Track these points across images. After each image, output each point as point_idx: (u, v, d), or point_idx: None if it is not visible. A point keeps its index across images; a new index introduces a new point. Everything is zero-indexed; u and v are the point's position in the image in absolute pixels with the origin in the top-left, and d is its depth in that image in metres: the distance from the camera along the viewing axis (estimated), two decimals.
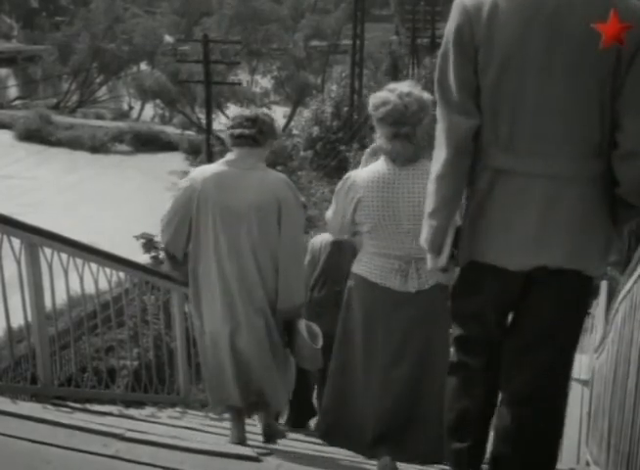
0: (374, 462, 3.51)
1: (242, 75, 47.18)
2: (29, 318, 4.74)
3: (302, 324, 3.81)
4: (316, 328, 3.93)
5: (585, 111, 2.17)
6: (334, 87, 38.10)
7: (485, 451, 2.65)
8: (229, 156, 3.73)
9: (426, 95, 3.22)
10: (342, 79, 37.35)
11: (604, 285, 12.35)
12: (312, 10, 55.67)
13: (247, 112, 3.78)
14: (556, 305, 2.39)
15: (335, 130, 33.30)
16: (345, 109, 34.86)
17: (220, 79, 38.69)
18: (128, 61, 52.78)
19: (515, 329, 2.51)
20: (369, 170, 3.29)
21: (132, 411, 5.16)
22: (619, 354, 4.73)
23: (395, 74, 21.03)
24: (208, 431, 4.68)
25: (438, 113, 2.34)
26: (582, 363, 10.03)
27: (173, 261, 3.83)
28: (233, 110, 4.76)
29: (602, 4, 2.12)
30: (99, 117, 50.29)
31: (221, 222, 3.61)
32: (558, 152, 2.19)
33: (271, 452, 3.42)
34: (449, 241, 2.39)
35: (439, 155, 2.32)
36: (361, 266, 3.36)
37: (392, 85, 3.28)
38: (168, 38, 54.87)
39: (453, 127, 2.26)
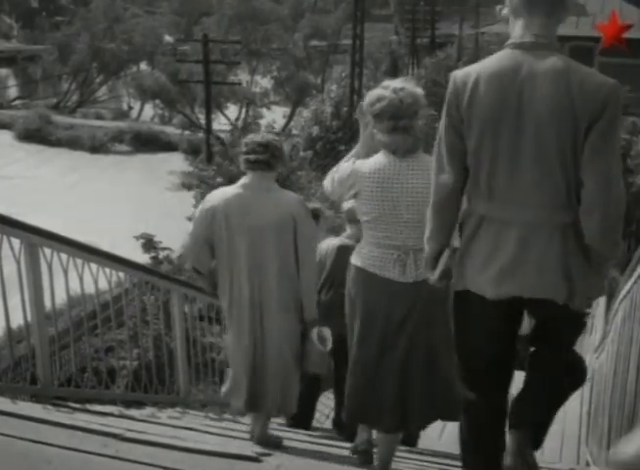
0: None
1: (242, 75, 47.14)
2: (29, 318, 4.74)
3: (314, 330, 4.03)
4: (326, 332, 4.08)
5: (550, 172, 2.57)
6: (333, 87, 38.06)
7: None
8: (245, 179, 3.98)
9: (418, 89, 3.36)
10: (341, 79, 37.31)
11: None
12: (312, 10, 55.65)
13: (258, 137, 4.02)
14: (546, 330, 2.89)
15: (334, 130, 33.29)
16: (345, 109, 34.82)
17: (220, 79, 38.68)
18: (128, 61, 52.77)
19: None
20: (370, 163, 3.36)
21: (132, 412, 5.17)
22: (619, 354, 4.73)
23: (395, 74, 21.00)
24: (208, 431, 4.69)
25: (433, 167, 2.86)
26: None
27: (201, 277, 4.16)
28: (248, 137, 4.60)
29: (563, 81, 2.55)
30: (99, 117, 50.25)
31: (244, 240, 3.87)
32: (528, 203, 2.60)
33: (271, 453, 3.42)
34: (442, 261, 2.89)
35: (432, 197, 2.86)
36: (360, 258, 3.43)
37: (386, 82, 3.40)
38: (168, 38, 54.84)
39: (440, 183, 2.79)
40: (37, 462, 2.79)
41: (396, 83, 3.35)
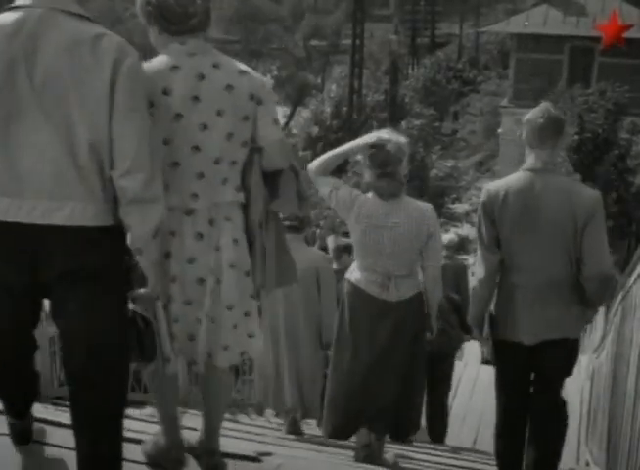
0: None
1: None
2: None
3: None
4: None
5: (558, 253, 3.65)
6: (333, 87, 38.04)
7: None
8: None
9: (402, 139, 4.00)
10: (341, 79, 37.31)
11: None
12: (312, 10, 55.64)
13: None
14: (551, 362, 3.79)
15: (334, 130, 33.27)
16: (345, 108, 34.83)
17: None
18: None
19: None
20: (361, 200, 3.93)
21: (132, 411, 5.16)
22: (619, 354, 4.73)
23: (395, 74, 20.98)
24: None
25: (478, 246, 3.83)
26: (582, 363, 10.04)
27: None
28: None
29: (565, 196, 3.63)
30: None
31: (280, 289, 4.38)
32: (544, 272, 3.67)
33: (271, 453, 3.43)
34: (486, 322, 3.83)
35: (479, 271, 3.81)
36: (353, 275, 4.04)
37: (375, 133, 4.00)
38: None
39: (486, 259, 3.77)
40: (37, 462, 2.79)
41: (384, 135, 3.93)
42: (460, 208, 24.52)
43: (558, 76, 26.73)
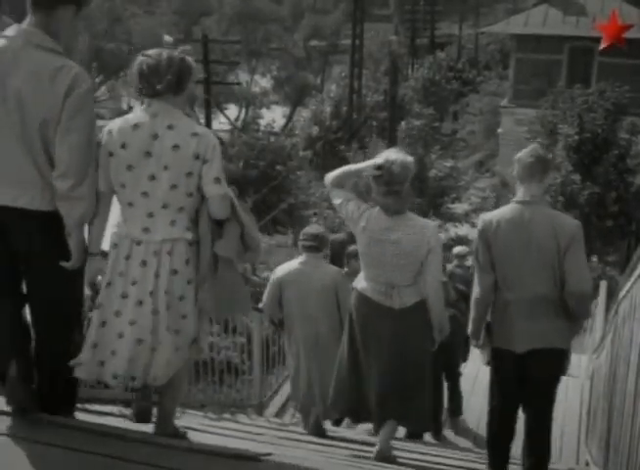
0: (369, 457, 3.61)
1: (241, 75, 47.13)
2: (29, 318, 4.74)
3: None
4: None
5: (545, 273, 4.14)
6: (333, 87, 38.08)
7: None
8: (302, 258, 5.32)
9: (409, 158, 4.23)
10: (341, 79, 37.31)
11: (603, 285, 12.34)
12: (312, 10, 55.64)
13: (312, 230, 5.38)
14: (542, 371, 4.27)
15: (334, 130, 33.26)
16: (345, 109, 34.82)
17: (220, 79, 38.62)
18: (128, 61, 52.47)
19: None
20: (366, 216, 4.21)
21: (129, 411, 5.16)
22: (619, 355, 4.73)
23: (395, 74, 20.97)
24: (208, 431, 4.69)
25: (475, 269, 4.38)
26: (582, 363, 10.03)
27: (275, 324, 5.68)
28: (305, 229, 5.55)
29: (550, 224, 4.15)
30: (98, 116, 50.01)
31: (301, 300, 5.24)
32: (533, 289, 4.17)
33: (270, 452, 3.42)
34: (482, 333, 4.39)
35: (476, 290, 4.32)
36: (360, 284, 4.33)
37: (385, 153, 4.26)
38: (168, 38, 54.76)
39: (481, 279, 4.28)
40: (37, 462, 2.79)
41: (391, 155, 4.18)
42: (459, 208, 24.51)
43: (558, 76, 26.74)
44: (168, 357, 3.16)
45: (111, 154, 3.10)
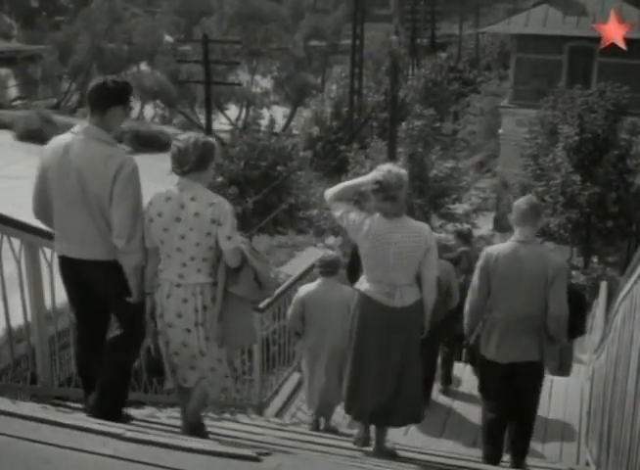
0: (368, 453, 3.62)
1: (242, 75, 47.11)
2: (29, 318, 4.74)
3: None
4: None
5: (531, 299, 5.02)
6: (333, 87, 38.10)
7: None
8: (320, 281, 6.11)
9: (402, 171, 4.66)
10: (341, 79, 37.33)
11: (604, 285, 12.34)
12: (312, 10, 55.65)
13: (328, 257, 6.11)
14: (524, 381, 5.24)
15: (335, 130, 33.30)
16: (345, 109, 34.84)
17: (220, 79, 38.60)
18: (128, 61, 52.66)
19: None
20: (367, 223, 4.56)
21: (132, 411, 5.16)
22: (619, 354, 4.74)
23: (395, 75, 20.95)
24: (208, 431, 4.68)
25: (470, 290, 5.30)
26: (582, 363, 10.03)
27: (297, 335, 6.34)
28: (321, 255, 6.38)
29: (541, 260, 5.03)
30: None
31: (319, 316, 6.00)
32: (519, 312, 5.06)
33: (270, 452, 3.42)
34: (474, 336, 5.30)
35: (467, 307, 5.29)
36: (362, 286, 4.68)
37: (380, 166, 4.69)
38: (168, 38, 54.77)
39: (475, 301, 5.23)
40: (36, 462, 2.79)
41: (386, 166, 4.64)
42: (460, 208, 24.51)
43: (558, 77, 26.74)
44: (205, 373, 4.25)
45: (151, 220, 4.05)
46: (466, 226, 10.51)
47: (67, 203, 3.90)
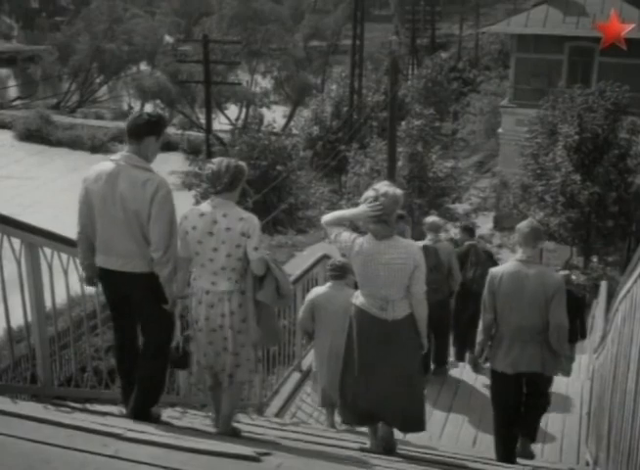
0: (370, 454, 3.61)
1: (242, 75, 47.10)
2: (29, 318, 4.74)
3: None
4: None
5: (534, 314, 5.50)
6: (333, 87, 38.04)
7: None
8: (329, 284, 6.48)
9: (398, 191, 4.77)
10: (341, 79, 37.32)
11: (604, 285, 12.34)
12: (312, 10, 55.65)
13: (337, 262, 6.41)
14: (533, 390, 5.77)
15: (334, 130, 33.28)
16: (345, 109, 34.83)
17: (220, 79, 38.63)
18: (128, 61, 52.69)
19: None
20: (359, 242, 4.78)
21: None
22: (619, 354, 4.74)
23: (395, 75, 20.95)
24: (208, 431, 4.69)
25: (482, 309, 5.78)
26: (582, 363, 10.04)
27: (308, 334, 6.73)
28: (331, 260, 6.86)
29: (540, 280, 5.46)
30: (99, 117, 50.21)
31: (328, 316, 6.34)
32: (524, 327, 5.52)
33: (271, 452, 3.42)
34: (484, 353, 5.82)
35: (480, 324, 5.81)
36: (357, 300, 4.92)
37: (377, 185, 4.82)
38: (168, 38, 54.77)
39: (485, 317, 5.73)
40: (37, 462, 2.79)
41: (382, 188, 4.75)
42: (460, 208, 24.52)
43: (558, 76, 26.73)
44: (231, 371, 4.64)
45: (186, 232, 4.52)
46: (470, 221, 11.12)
47: (110, 222, 4.40)
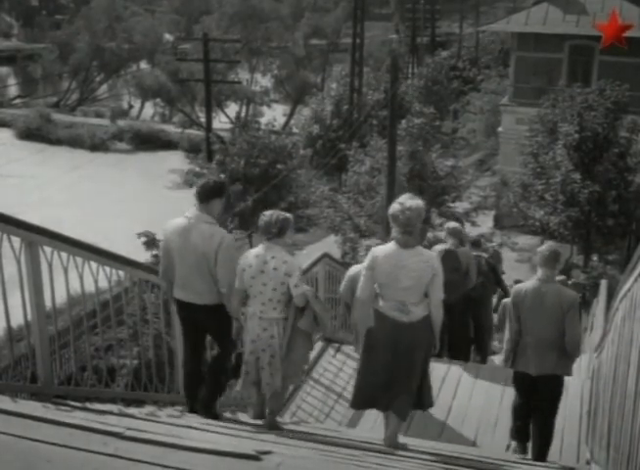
0: (369, 454, 3.60)
1: (242, 74, 47.09)
2: (29, 317, 4.74)
3: None
4: None
5: (552, 326, 6.20)
6: (333, 86, 38.01)
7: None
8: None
9: (421, 204, 5.34)
10: (341, 78, 37.28)
11: (604, 284, 12.34)
12: (312, 8, 55.58)
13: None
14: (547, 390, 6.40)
15: (334, 129, 33.26)
16: (345, 107, 34.81)
17: (220, 78, 38.61)
18: (128, 59, 52.67)
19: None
20: (384, 249, 5.38)
21: (132, 410, 5.17)
22: (619, 353, 4.73)
23: (396, 74, 20.95)
24: (208, 430, 4.69)
25: (507, 321, 6.56)
26: (582, 363, 10.03)
27: (347, 307, 6.90)
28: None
29: (557, 296, 6.21)
30: (99, 115, 50.18)
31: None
32: (544, 336, 6.20)
33: (271, 451, 3.42)
34: (510, 361, 6.50)
35: (506, 333, 6.57)
36: (378, 304, 5.42)
37: (402, 199, 5.36)
38: (168, 37, 54.75)
39: (512, 327, 6.41)
40: (37, 461, 2.79)
41: (407, 202, 5.27)
42: (460, 206, 24.50)
43: (558, 75, 26.71)
44: (278, 383, 5.59)
45: (243, 269, 5.53)
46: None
47: (187, 266, 5.55)
